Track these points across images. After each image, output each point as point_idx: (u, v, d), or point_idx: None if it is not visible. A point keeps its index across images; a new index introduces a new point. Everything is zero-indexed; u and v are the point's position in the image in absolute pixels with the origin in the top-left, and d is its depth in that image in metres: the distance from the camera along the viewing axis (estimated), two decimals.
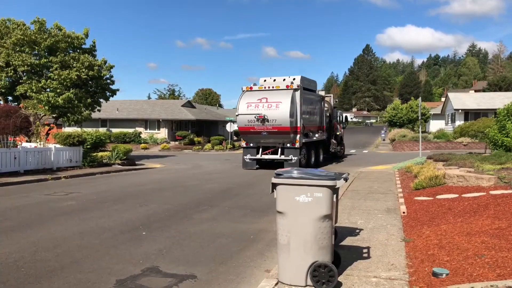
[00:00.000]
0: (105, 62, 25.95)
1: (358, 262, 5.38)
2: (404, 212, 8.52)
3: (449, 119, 50.01)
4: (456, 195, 9.29)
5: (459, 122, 43.12)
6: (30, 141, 20.23)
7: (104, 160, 21.74)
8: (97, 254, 6.06)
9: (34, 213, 9.17)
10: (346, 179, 4.95)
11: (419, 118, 23.41)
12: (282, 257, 4.78)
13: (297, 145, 19.41)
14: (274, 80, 20.72)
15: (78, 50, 25.29)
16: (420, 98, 25.06)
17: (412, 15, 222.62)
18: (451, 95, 49.82)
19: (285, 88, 19.65)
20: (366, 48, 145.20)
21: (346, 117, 30.63)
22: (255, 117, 19.20)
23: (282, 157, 19.69)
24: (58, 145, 19.39)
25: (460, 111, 44.15)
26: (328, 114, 24.61)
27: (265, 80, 21.02)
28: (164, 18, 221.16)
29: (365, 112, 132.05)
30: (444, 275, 4.57)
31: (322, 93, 24.73)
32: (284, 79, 20.43)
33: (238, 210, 9.65)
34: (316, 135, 21.84)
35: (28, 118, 20.32)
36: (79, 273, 5.28)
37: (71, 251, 6.22)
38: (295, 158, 19.34)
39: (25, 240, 6.84)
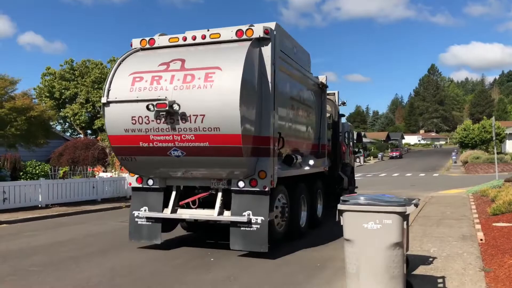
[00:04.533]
0: None
1: None
2: (481, 240, 7.99)
3: None
4: None
5: None
6: (106, 171, 21.57)
7: None
8: (168, 281, 6.28)
9: (110, 240, 9.70)
10: (416, 205, 4.80)
11: (494, 138, 22.05)
12: (351, 286, 4.68)
13: (265, 184, 7.57)
14: (209, 30, 8.43)
15: None
16: (493, 117, 23.67)
17: (477, 32, 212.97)
18: None
19: (234, 38, 7.83)
20: (431, 68, 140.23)
21: (359, 135, 16.74)
22: (148, 108, 7.35)
23: (227, 214, 7.92)
24: None
25: None
26: (331, 123, 12.85)
27: (186, 39, 8.27)
28: None
29: (433, 134, 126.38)
30: None
31: (322, 79, 11.54)
32: (232, 31, 7.97)
33: (302, 237, 9.56)
34: (311, 162, 9.88)
35: (104, 150, 21.74)
36: None
37: (145, 277, 6.50)
38: (260, 218, 7.49)
39: (103, 265, 7.25)
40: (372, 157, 66.83)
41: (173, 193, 8.32)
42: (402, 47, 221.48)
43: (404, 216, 4.52)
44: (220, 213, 7.88)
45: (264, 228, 7.41)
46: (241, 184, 7.65)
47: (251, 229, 7.48)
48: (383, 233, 4.49)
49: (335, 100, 13.65)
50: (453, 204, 14.28)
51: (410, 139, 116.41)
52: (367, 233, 4.55)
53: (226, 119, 6.91)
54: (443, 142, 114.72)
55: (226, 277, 6.40)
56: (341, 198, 4.78)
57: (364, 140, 78.81)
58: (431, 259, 6.81)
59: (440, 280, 5.65)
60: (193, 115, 7.10)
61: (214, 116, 6.97)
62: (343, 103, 14.09)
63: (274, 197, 7.99)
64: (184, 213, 8.28)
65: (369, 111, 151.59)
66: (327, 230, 10.10)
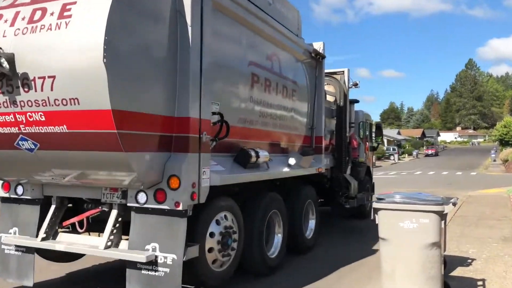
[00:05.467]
0: None
1: None
2: None
3: None
4: None
5: None
6: None
7: None
8: None
9: None
10: (455, 204, 4.67)
11: None
12: (386, 285, 4.61)
13: (178, 199, 4.41)
14: None
15: None
16: None
17: None
18: None
19: None
20: (469, 63, 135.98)
21: (379, 126, 13.74)
22: None
23: (123, 247, 4.80)
24: None
25: None
26: (335, 109, 9.83)
27: None
28: None
29: (470, 131, 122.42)
30: None
31: (318, 46, 8.33)
32: None
33: (338, 235, 9.47)
34: (291, 161, 6.98)
35: None
36: None
37: None
38: (170, 257, 4.43)
39: None
40: (406, 154, 65.41)
41: (52, 208, 5.20)
42: (437, 42, 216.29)
43: (442, 216, 4.40)
44: (114, 243, 4.77)
45: (176, 273, 4.38)
46: (141, 198, 4.55)
47: (156, 273, 4.46)
48: (420, 233, 4.39)
49: (343, 81, 10.09)
50: (493, 204, 13.79)
51: (446, 137, 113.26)
52: (403, 232, 4.45)
53: (86, 84, 3.86)
54: (481, 140, 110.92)
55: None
56: (376, 196, 4.70)
57: (398, 137, 77.52)
58: (469, 261, 6.60)
59: (480, 283, 5.47)
60: (39, 78, 4.04)
61: (68, 79, 3.93)
62: (355, 85, 10.66)
63: (208, 218, 4.94)
64: (60, 242, 5.08)
65: (403, 107, 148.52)
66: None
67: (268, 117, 6.59)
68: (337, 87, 9.85)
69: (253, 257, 5.79)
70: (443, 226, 4.45)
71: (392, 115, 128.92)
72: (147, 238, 4.54)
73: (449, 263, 6.05)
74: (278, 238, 6.50)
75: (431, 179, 28.32)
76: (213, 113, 4.90)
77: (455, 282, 5.34)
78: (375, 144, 13.00)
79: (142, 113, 4.15)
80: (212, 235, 4.97)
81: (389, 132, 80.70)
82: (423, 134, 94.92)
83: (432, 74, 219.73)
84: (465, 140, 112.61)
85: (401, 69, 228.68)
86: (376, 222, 4.64)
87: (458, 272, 6.00)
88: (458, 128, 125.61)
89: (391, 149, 58.04)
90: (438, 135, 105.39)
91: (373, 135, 12.81)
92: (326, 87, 9.46)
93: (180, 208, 4.36)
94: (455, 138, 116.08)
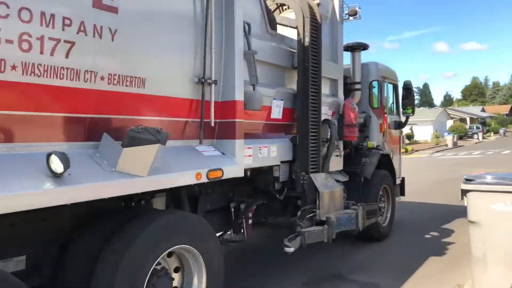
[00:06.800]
0: None
1: None
2: None
3: None
4: None
5: None
6: None
7: None
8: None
9: None
10: None
11: None
12: (476, 271, 4.36)
13: None
14: None
15: None
16: None
17: None
18: None
19: None
20: None
21: (407, 86, 7.96)
22: None
23: None
24: None
25: None
26: (300, 53, 5.10)
27: None
28: None
29: None
30: None
31: None
32: None
33: (418, 217, 9.10)
34: (57, 167, 2.36)
35: None
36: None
37: None
38: None
39: None
40: (492, 133, 60.85)
41: None
42: None
43: None
44: None
45: None
46: None
47: None
48: None
49: (331, 8, 6.16)
50: None
51: None
52: (495, 215, 4.17)
53: None
54: None
55: (336, 257, 6.35)
56: (465, 177, 4.42)
57: (483, 114, 72.19)
58: None
59: None
60: None
61: None
62: (353, 14, 6.36)
63: None
64: None
65: (488, 82, 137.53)
66: None
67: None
68: (299, 11, 5.25)
69: None
70: None
71: (475, 91, 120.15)
72: None
73: None
74: None
75: None
76: None
77: None
78: (402, 118, 8.34)
79: None
80: None
81: (472, 110, 75.52)
82: None
83: None
84: None
85: (484, 41, 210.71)
86: (465, 205, 4.39)
87: None
88: None
89: (475, 127, 54.59)
90: None
91: (400, 102, 8.26)
92: (286, 14, 5.98)
93: None
94: None
